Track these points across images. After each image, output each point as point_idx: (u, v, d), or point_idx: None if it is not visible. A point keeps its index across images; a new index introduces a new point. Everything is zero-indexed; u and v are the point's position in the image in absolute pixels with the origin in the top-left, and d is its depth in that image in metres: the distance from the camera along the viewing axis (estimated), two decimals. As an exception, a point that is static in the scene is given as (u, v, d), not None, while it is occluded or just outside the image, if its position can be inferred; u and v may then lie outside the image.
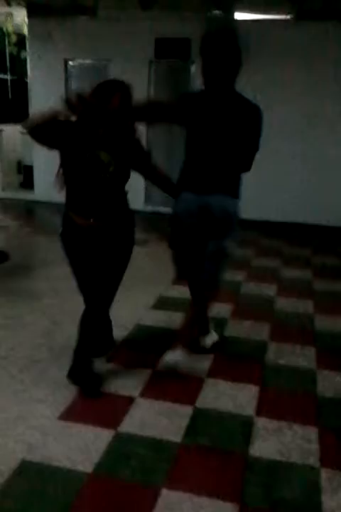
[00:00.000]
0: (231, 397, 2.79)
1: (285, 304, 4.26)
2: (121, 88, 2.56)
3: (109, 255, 2.74)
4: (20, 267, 4.96)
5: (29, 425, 2.49)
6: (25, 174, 8.83)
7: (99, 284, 2.75)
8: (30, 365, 3.07)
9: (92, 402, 2.73)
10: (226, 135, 2.85)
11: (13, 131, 8.67)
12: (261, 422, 2.57)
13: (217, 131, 2.84)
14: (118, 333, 3.36)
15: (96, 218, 2.66)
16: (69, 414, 2.58)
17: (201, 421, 2.58)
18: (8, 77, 10.18)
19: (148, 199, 7.02)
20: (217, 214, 2.88)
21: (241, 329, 3.70)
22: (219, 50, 2.81)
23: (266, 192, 7.27)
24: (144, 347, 3.36)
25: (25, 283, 4.52)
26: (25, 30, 7.81)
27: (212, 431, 2.51)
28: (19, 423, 2.50)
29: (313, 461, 2.30)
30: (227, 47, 2.82)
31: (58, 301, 4.09)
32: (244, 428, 2.53)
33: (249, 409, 2.68)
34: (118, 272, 2.83)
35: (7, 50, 8.52)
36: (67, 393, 2.76)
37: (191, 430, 2.50)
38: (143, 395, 2.78)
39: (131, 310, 3.86)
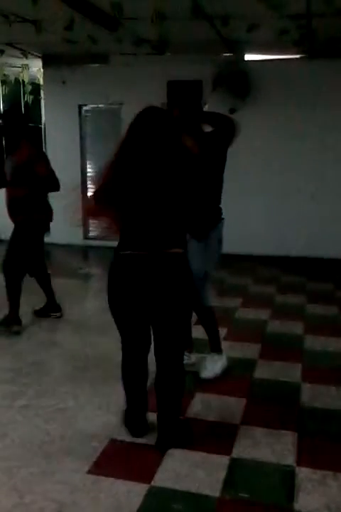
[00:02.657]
0: (269, 445, 2.63)
1: (314, 343, 4.11)
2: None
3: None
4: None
5: (57, 480, 2.35)
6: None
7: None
8: (55, 414, 2.95)
9: (123, 453, 2.60)
10: None
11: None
12: (304, 473, 2.40)
13: None
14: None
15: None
16: (99, 468, 2.45)
17: (239, 472, 2.43)
18: (24, 124, 10.35)
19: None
20: None
21: (272, 371, 3.56)
22: None
23: (282, 227, 7.22)
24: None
25: (45, 327, 4.43)
26: (41, 79, 7.98)
27: (252, 483, 2.35)
28: (46, 478, 2.37)
29: (365, 515, 2.14)
30: None
31: (80, 346, 3.99)
32: (286, 479, 2.37)
33: (289, 458, 2.52)
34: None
35: (22, 99, 8.70)
36: (96, 444, 2.63)
37: (229, 483, 2.34)
38: (175, 444, 2.64)
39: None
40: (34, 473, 2.41)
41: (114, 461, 2.53)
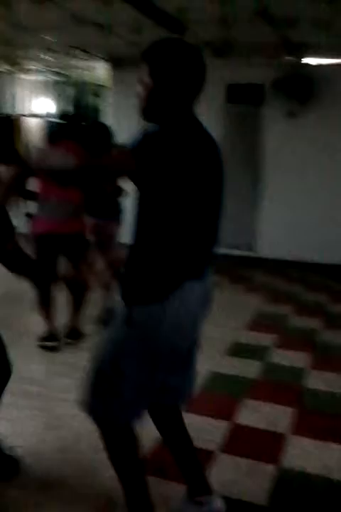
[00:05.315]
0: (318, 457, 2.62)
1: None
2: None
3: None
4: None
5: (109, 476, 2.41)
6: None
7: None
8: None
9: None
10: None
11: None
12: (354, 488, 2.38)
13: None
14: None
15: None
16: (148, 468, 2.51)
17: (287, 483, 2.43)
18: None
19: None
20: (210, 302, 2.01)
21: (323, 381, 3.51)
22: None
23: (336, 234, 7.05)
24: (221, 397, 3.27)
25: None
26: (105, 81, 8.21)
27: (301, 495, 2.35)
28: (98, 473, 2.45)
29: None
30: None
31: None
32: (336, 494, 2.35)
33: (340, 472, 2.50)
34: None
35: (88, 101, 9.02)
36: (147, 444, 2.69)
37: (278, 493, 2.35)
38: (223, 450, 2.67)
39: (204, 356, 3.77)
40: (85, 467, 2.50)
41: (164, 462, 2.57)
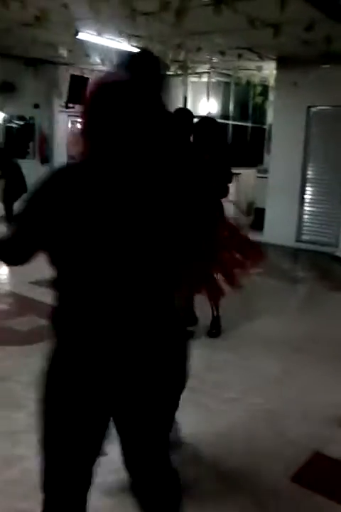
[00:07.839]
0: None
1: None
2: None
3: None
4: (249, 309, 5.00)
5: (255, 482, 2.41)
6: (256, 216, 9.07)
7: None
8: (260, 413, 3.01)
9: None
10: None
11: (247, 175, 9.03)
12: None
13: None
14: None
15: None
16: (302, 478, 2.44)
17: None
18: (249, 124, 10.71)
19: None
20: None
21: None
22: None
23: None
24: None
25: (254, 325, 4.52)
26: (271, 81, 8.13)
27: None
28: (249, 478, 2.46)
29: None
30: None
31: (289, 350, 3.96)
32: None
33: None
34: None
35: (250, 101, 9.04)
36: (298, 453, 2.62)
37: None
38: None
39: None
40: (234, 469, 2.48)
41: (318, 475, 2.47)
